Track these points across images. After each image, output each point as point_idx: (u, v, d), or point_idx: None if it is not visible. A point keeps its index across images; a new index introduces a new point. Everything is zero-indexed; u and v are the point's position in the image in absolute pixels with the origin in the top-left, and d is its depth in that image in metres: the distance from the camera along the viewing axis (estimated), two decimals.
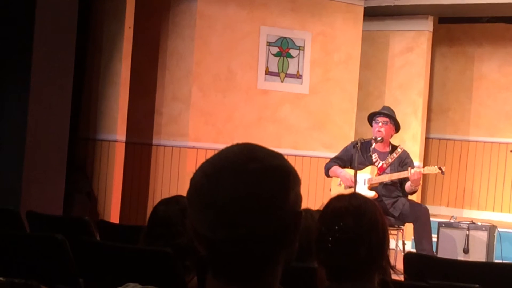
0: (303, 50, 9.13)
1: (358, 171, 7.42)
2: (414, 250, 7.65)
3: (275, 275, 1.43)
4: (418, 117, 9.83)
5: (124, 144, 8.16)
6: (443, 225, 7.96)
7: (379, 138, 7.52)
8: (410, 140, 9.66)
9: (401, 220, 7.59)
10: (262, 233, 1.38)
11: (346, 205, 2.36)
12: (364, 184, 7.54)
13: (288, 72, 9.07)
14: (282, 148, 8.53)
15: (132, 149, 8.51)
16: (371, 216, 2.35)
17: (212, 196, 1.37)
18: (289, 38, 9.08)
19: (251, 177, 1.37)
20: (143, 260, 3.36)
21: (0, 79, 7.18)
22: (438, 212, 10.14)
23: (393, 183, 7.59)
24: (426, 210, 7.60)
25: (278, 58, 9.03)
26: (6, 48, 7.16)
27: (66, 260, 3.67)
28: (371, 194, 7.42)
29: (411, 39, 9.92)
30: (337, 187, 7.63)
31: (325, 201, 2.46)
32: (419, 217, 7.49)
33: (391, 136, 7.72)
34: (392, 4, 9.52)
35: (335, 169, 7.67)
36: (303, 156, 9.02)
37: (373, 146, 7.62)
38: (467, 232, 7.83)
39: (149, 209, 4.13)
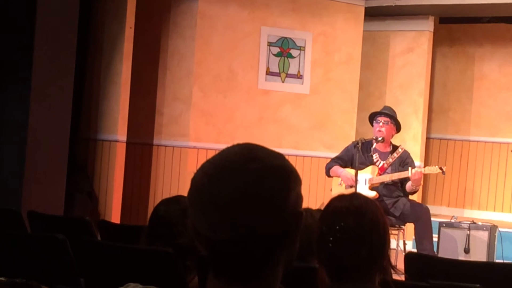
0: (304, 50, 9.13)
1: (359, 171, 7.42)
2: (415, 250, 7.65)
3: (275, 275, 1.43)
4: (419, 117, 9.83)
5: (125, 144, 8.16)
6: (444, 225, 7.96)
7: (380, 138, 7.51)
8: (411, 140, 9.66)
9: (402, 220, 7.59)
10: (263, 233, 1.38)
11: (347, 205, 2.36)
12: (365, 184, 7.55)
13: (289, 72, 9.08)
14: (283, 148, 8.53)
15: (133, 149, 8.51)
16: (372, 216, 2.35)
17: (212, 196, 1.37)
18: (290, 38, 9.08)
19: (252, 177, 1.37)
20: (144, 260, 3.37)
21: (1, 79, 7.18)
22: (439, 212, 10.14)
23: (394, 183, 7.59)
24: (427, 210, 7.60)
25: (279, 58, 9.03)
26: (7, 48, 7.17)
27: (67, 260, 3.67)
28: (372, 194, 7.42)
29: (412, 39, 9.92)
30: (338, 187, 7.63)
31: (326, 201, 2.46)
32: (420, 217, 7.49)
33: (392, 136, 7.72)
34: (393, 4, 9.52)
35: (336, 169, 7.67)
36: (304, 156, 9.02)
37: (374, 146, 7.62)
38: (468, 232, 7.83)
39: (150, 209, 4.13)
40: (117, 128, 8.06)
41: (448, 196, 10.69)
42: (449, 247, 7.81)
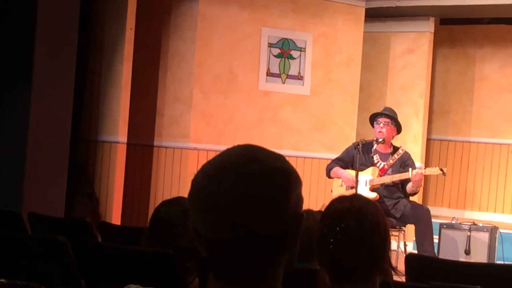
0: (305, 51, 9.13)
1: (360, 172, 7.42)
2: (415, 251, 7.65)
3: (276, 276, 1.43)
4: (420, 118, 9.83)
5: (125, 145, 8.16)
6: (445, 226, 7.96)
7: (380, 139, 7.51)
8: (412, 141, 9.66)
9: (403, 221, 7.58)
10: (263, 234, 1.38)
11: (347, 207, 2.36)
12: (366, 185, 7.54)
13: (289, 73, 9.08)
14: (283, 150, 8.53)
15: (134, 151, 8.51)
16: (373, 217, 2.35)
17: (213, 197, 1.37)
18: (290, 39, 9.08)
19: (252, 178, 1.37)
20: (144, 261, 3.37)
21: (1, 80, 7.18)
22: (440, 213, 10.13)
23: (394, 184, 7.59)
24: (428, 211, 7.60)
25: (279, 59, 9.03)
26: (8, 49, 7.17)
27: (67, 262, 3.67)
28: (373, 195, 7.42)
29: (413, 41, 9.92)
30: (338, 188, 7.63)
31: (327, 202, 2.46)
32: (420, 218, 7.48)
33: (393, 137, 7.72)
34: (394, 6, 9.52)
35: (337, 170, 7.67)
36: (304, 158, 9.01)
37: (374, 147, 7.61)
38: (469, 233, 7.82)
39: (151, 211, 4.14)
40: (118, 130, 8.07)
41: (449, 198, 10.68)
42: (450, 249, 7.81)
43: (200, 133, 8.64)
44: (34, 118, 7.02)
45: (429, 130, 10.45)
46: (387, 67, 10.04)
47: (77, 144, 8.14)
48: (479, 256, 7.71)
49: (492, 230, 7.80)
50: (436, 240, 7.70)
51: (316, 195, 8.81)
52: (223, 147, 1.46)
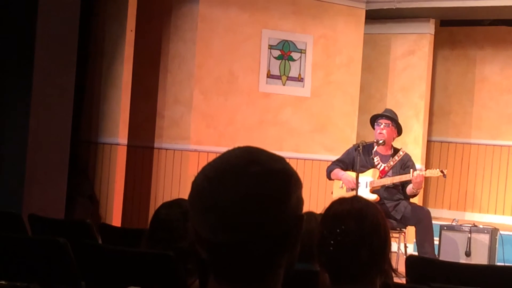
0: (305, 53, 9.13)
1: (360, 174, 7.42)
2: (416, 253, 7.65)
3: (276, 278, 1.43)
4: (420, 120, 9.82)
5: (126, 147, 8.16)
6: (445, 228, 7.96)
7: (380, 141, 7.51)
8: (412, 143, 9.66)
9: (403, 223, 7.58)
10: (263, 236, 1.38)
11: (348, 208, 2.36)
12: (366, 187, 7.54)
13: (289, 75, 9.08)
14: (283, 151, 8.53)
15: (134, 152, 8.51)
16: (373, 219, 2.35)
17: (213, 199, 1.37)
18: (291, 41, 9.08)
19: (252, 180, 1.37)
20: (144, 263, 3.36)
21: (2, 81, 7.18)
22: (440, 215, 10.13)
23: (395, 186, 7.59)
24: (428, 213, 7.60)
25: (279, 61, 9.03)
26: (8, 50, 7.17)
27: (67, 263, 3.67)
28: (373, 197, 7.42)
29: (413, 42, 9.92)
30: (339, 190, 7.63)
31: (327, 204, 2.46)
32: (421, 220, 7.48)
33: (393, 139, 7.72)
34: (394, 7, 9.52)
35: (337, 171, 7.66)
36: (304, 159, 9.01)
37: (375, 149, 7.61)
38: (469, 235, 7.82)
39: (151, 212, 4.13)
40: (118, 131, 8.07)
41: (449, 199, 10.68)
42: (450, 250, 7.80)
43: (201, 135, 8.64)
44: (34, 119, 7.02)
45: (430, 132, 10.45)
46: (388, 68, 10.04)
47: (77, 146, 8.14)
48: (479, 258, 7.71)
49: (493, 232, 7.80)
50: (436, 242, 7.70)
51: (317, 197, 8.80)
52: (223, 149, 1.46)
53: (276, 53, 9.02)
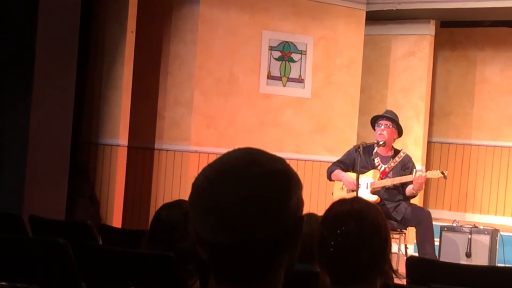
0: (305, 54, 9.14)
1: (361, 175, 7.42)
2: (416, 254, 7.65)
3: (277, 278, 1.43)
4: (420, 121, 9.82)
5: (126, 148, 8.16)
6: (446, 229, 7.96)
7: (381, 142, 7.52)
8: (412, 144, 9.66)
9: (404, 224, 7.58)
10: (264, 237, 1.38)
11: (348, 209, 2.36)
12: (367, 188, 7.54)
13: (290, 76, 9.08)
14: (284, 152, 8.54)
15: (135, 154, 8.51)
16: (373, 220, 2.35)
17: (213, 200, 1.38)
18: (291, 42, 9.08)
19: (253, 181, 1.38)
20: (145, 264, 3.36)
21: (2, 81, 7.18)
22: (441, 216, 10.13)
23: (395, 187, 7.59)
24: (429, 214, 7.60)
25: (280, 62, 9.03)
26: (8, 51, 7.17)
27: (68, 265, 3.67)
28: (374, 198, 7.42)
29: (413, 43, 9.92)
30: (339, 191, 7.63)
31: (327, 205, 2.46)
32: (421, 221, 7.48)
33: (394, 140, 7.72)
34: (394, 9, 9.52)
35: (338, 172, 7.67)
36: (305, 160, 9.01)
37: (375, 150, 7.61)
38: (470, 236, 7.82)
39: (152, 214, 4.13)
40: (119, 132, 8.07)
41: (450, 200, 10.68)
42: (451, 251, 7.80)
43: (201, 136, 8.64)
44: (34, 120, 7.01)
45: (430, 133, 10.45)
46: (388, 69, 10.04)
47: (78, 147, 8.14)
48: (480, 258, 7.71)
49: (493, 233, 7.80)
50: (437, 243, 7.70)
51: (317, 198, 8.80)
52: (223, 150, 1.46)
53: (277, 54, 9.02)
